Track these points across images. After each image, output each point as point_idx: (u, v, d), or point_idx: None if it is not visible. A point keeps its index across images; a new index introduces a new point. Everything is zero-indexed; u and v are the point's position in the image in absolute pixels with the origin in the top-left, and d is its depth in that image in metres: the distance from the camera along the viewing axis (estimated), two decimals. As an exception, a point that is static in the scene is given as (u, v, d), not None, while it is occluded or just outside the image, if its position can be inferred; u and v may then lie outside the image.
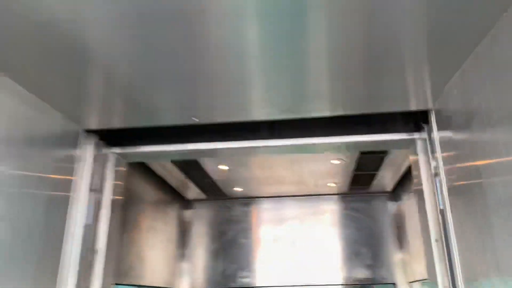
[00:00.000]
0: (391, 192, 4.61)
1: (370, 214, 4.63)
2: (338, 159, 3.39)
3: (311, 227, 4.66)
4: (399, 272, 4.36)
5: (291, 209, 4.77)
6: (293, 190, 4.50)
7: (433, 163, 1.97)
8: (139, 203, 3.92)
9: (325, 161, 3.48)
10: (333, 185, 4.19)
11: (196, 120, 2.01)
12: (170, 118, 2.12)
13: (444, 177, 1.83)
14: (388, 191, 4.58)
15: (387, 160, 3.52)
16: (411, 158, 2.27)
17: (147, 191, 4.15)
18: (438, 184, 1.89)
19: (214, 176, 3.93)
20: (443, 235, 1.81)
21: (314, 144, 2.27)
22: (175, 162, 3.53)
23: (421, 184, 2.09)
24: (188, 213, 4.93)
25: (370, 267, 4.43)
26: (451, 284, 1.76)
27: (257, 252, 4.66)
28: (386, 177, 4.07)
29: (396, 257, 4.43)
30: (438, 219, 1.90)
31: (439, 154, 1.89)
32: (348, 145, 2.34)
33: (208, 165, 3.57)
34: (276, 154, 3.01)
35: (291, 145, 2.28)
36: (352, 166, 3.63)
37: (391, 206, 4.62)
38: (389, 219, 4.58)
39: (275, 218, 4.76)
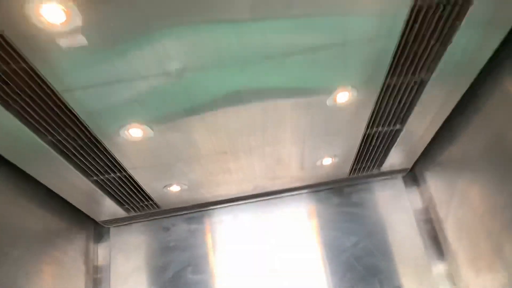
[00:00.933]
0: (409, 171, 3.10)
1: (383, 210, 3.06)
2: (347, 87, 1.83)
3: (299, 242, 3.00)
4: (449, 290, 2.78)
5: (264, 216, 3.09)
6: (266, 185, 2.85)
7: None
8: (12, 242, 2.11)
9: (325, 98, 1.91)
10: (330, 161, 2.59)
11: None
12: None
13: None
14: (405, 169, 3.05)
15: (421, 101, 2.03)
16: None
17: (25, 217, 2.34)
18: None
19: (128, 160, 2.19)
20: None
21: None
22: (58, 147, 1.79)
23: None
24: (102, 247, 3.08)
25: (400, 290, 2.81)
26: None
27: (217, 292, 2.89)
28: (408, 142, 2.56)
29: (437, 269, 2.86)
30: None
31: None
32: None
33: (111, 133, 1.86)
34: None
35: None
36: (367, 113, 2.09)
37: (413, 194, 3.10)
38: (412, 214, 3.03)
39: (241, 234, 3.05)
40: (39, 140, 1.83)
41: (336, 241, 2.99)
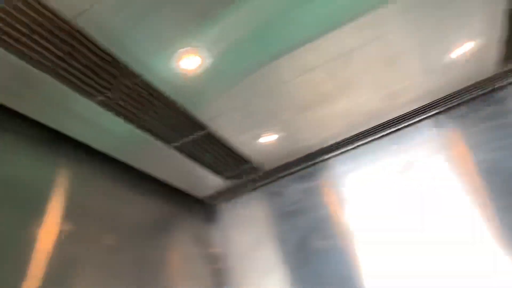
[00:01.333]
0: None
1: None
2: None
3: (447, 180, 2.27)
4: None
5: (393, 156, 2.43)
6: (383, 110, 2.20)
7: None
8: (121, 238, 1.94)
9: None
10: (464, 50, 1.84)
11: None
12: None
13: None
14: None
15: None
16: None
17: (128, 207, 2.15)
18: None
19: (200, 110, 1.81)
20: None
21: None
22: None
23: None
24: (215, 227, 2.79)
25: None
26: None
27: (355, 258, 2.34)
28: None
29: None
30: None
31: None
32: None
33: (162, 70, 1.49)
34: None
35: None
36: None
37: None
38: None
39: (369, 184, 2.45)
40: (90, 102, 1.55)
41: (499, 164, 2.19)
